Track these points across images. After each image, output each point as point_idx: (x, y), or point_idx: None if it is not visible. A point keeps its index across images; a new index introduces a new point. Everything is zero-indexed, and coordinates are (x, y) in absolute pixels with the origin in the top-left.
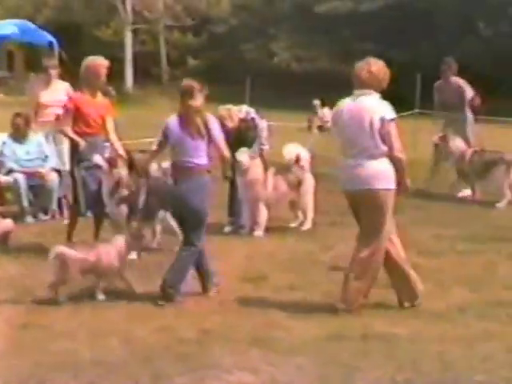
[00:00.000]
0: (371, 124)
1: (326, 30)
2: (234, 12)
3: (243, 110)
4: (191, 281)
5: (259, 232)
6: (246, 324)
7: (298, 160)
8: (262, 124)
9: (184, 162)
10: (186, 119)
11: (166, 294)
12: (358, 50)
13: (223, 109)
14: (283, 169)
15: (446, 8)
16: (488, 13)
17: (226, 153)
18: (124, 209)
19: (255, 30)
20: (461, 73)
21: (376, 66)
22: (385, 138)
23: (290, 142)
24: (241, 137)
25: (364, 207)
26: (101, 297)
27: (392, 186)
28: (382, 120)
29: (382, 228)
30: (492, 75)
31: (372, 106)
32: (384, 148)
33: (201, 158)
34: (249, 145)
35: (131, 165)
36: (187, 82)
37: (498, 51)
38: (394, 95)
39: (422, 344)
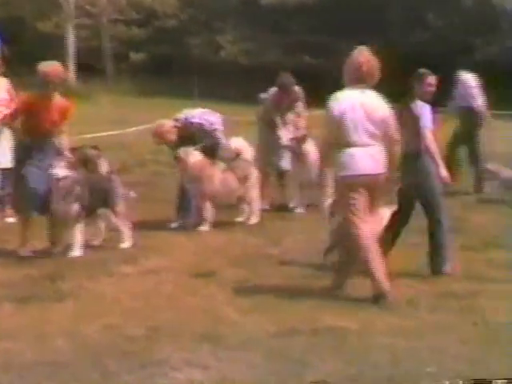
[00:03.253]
0: (382, 116)
1: (273, 23)
2: (181, 5)
3: (180, 118)
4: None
5: (205, 227)
6: (195, 320)
7: (238, 154)
8: (215, 119)
9: (403, 147)
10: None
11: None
12: (305, 42)
13: (158, 124)
14: (231, 163)
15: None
16: (438, 4)
17: (430, 142)
18: (76, 207)
19: (202, 23)
20: (412, 65)
21: (367, 58)
22: (387, 128)
23: (239, 135)
24: (186, 143)
25: (378, 189)
26: None
27: None
28: (388, 111)
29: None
30: (443, 67)
31: (377, 100)
32: (390, 137)
33: (414, 144)
34: (198, 141)
35: (84, 161)
36: (422, 70)
37: (449, 43)
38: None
39: (372, 337)
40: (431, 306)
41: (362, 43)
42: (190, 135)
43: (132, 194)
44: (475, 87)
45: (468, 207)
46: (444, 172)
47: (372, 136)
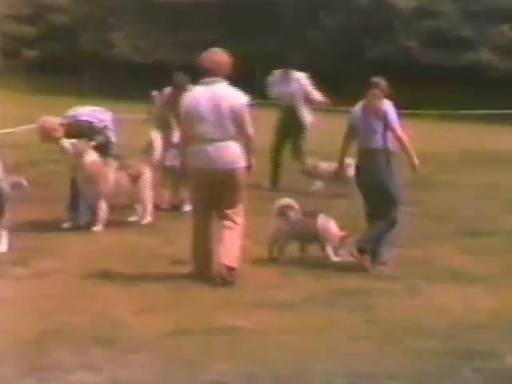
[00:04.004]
0: (231, 109)
1: (166, 21)
2: (75, 2)
3: (68, 115)
4: None
5: (99, 227)
6: (87, 323)
7: (150, 147)
8: (106, 117)
9: (368, 144)
10: (367, 106)
11: (377, 261)
12: (198, 40)
13: (43, 121)
14: (125, 162)
15: None
16: (330, 3)
17: (402, 134)
18: None
19: (96, 20)
20: (306, 64)
21: (217, 56)
22: (240, 121)
23: (130, 133)
24: (76, 135)
25: (227, 185)
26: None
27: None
28: (240, 105)
29: (241, 201)
30: (335, 67)
31: (227, 93)
32: (240, 130)
33: (381, 141)
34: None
35: None
36: (375, 78)
37: (341, 43)
38: (238, 85)
39: (266, 336)
40: (325, 304)
41: (255, 42)
42: (78, 133)
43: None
44: (308, 85)
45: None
46: (416, 160)
47: (223, 130)
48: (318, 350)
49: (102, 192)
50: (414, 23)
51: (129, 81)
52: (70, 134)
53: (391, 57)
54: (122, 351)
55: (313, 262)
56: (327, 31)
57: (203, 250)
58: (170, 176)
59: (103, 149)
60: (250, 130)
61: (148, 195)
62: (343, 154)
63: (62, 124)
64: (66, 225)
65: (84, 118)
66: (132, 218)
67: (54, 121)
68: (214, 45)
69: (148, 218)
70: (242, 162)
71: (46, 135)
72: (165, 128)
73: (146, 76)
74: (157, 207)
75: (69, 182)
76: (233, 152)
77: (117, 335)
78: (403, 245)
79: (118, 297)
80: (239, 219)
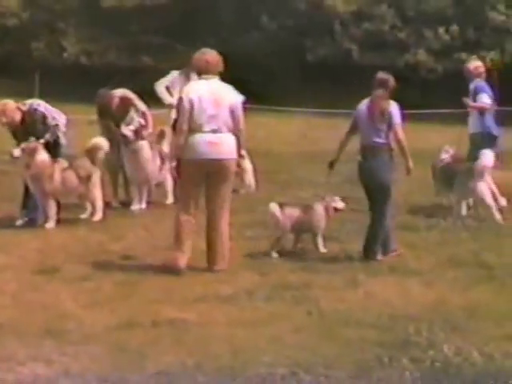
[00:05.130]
0: (230, 104)
1: (114, 24)
2: (23, 6)
3: (27, 103)
4: None
5: (50, 224)
6: (38, 316)
7: (91, 150)
8: (59, 117)
9: (371, 142)
10: (373, 105)
11: (371, 256)
12: (144, 43)
13: (2, 103)
14: (75, 161)
15: (229, 2)
16: (271, 7)
17: (402, 137)
18: None
19: (44, 23)
20: (246, 67)
21: (209, 55)
22: (237, 117)
23: (82, 133)
24: (28, 130)
25: (223, 174)
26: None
27: None
28: (237, 101)
29: (230, 190)
30: (276, 69)
31: (225, 89)
32: (235, 124)
33: (384, 139)
34: (39, 137)
35: None
36: (382, 74)
37: (283, 45)
38: None
39: (211, 328)
40: (267, 297)
41: (198, 45)
42: (31, 122)
43: None
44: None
45: None
46: (411, 164)
47: (223, 122)
48: (260, 341)
49: (47, 191)
50: (354, 26)
51: (79, 83)
52: (24, 121)
53: (332, 59)
54: (72, 343)
55: (256, 258)
56: (269, 34)
57: (188, 243)
58: (119, 174)
59: (53, 149)
60: (243, 125)
61: (98, 194)
62: (342, 147)
63: (19, 108)
64: (18, 222)
65: (41, 109)
66: (83, 216)
67: (13, 104)
68: (161, 47)
69: (99, 216)
70: (235, 154)
71: (4, 115)
72: (107, 129)
73: (96, 78)
74: (107, 205)
75: (22, 181)
76: (230, 143)
77: (67, 328)
78: (343, 239)
79: (67, 291)
80: (227, 212)
